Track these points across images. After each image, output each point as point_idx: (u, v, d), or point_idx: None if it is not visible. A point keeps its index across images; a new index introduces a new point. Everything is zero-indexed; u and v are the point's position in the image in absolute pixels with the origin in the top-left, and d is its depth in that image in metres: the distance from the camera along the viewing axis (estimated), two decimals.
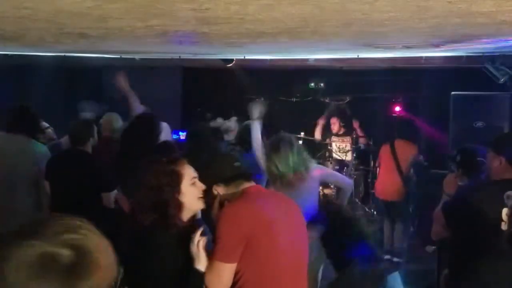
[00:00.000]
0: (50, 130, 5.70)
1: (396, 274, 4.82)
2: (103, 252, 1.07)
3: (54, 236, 1.03)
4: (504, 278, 2.16)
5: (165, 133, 5.64)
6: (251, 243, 2.37)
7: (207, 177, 2.55)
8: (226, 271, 2.36)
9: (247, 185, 2.58)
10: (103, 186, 4.23)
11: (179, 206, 2.40)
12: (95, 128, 4.63)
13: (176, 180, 2.40)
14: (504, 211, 2.88)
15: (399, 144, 6.29)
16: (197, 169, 2.57)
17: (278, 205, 2.60)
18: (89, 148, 4.45)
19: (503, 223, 2.89)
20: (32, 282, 0.99)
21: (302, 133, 8.35)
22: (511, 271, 2.18)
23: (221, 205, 2.57)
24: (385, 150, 6.45)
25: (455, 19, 2.85)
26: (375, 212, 7.76)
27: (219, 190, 2.56)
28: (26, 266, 1.00)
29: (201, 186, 2.49)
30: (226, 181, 2.56)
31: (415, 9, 2.50)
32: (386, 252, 6.09)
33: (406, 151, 6.28)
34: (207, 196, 2.55)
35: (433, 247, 5.97)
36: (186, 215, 2.45)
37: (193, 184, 2.46)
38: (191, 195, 2.45)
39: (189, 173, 2.46)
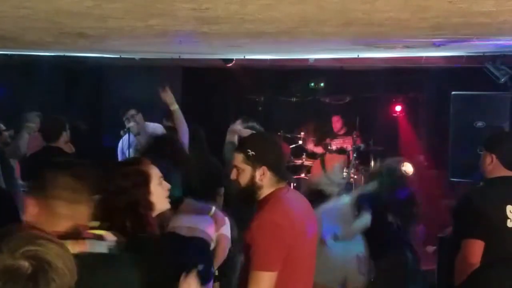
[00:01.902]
0: (6, 134, 5.64)
1: None
2: (61, 260, 1.16)
3: (15, 250, 1.13)
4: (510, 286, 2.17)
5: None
6: (288, 252, 2.36)
7: (267, 156, 2.47)
8: (269, 280, 2.32)
9: (281, 185, 2.53)
10: None
11: (150, 206, 2.38)
12: (66, 124, 4.61)
13: (145, 180, 2.39)
14: (509, 207, 2.91)
15: (329, 157, 6.52)
16: (260, 144, 2.53)
17: (305, 210, 2.59)
18: (61, 144, 4.45)
19: (508, 221, 2.91)
20: None
21: (302, 133, 8.35)
22: None
23: (247, 187, 2.49)
24: (316, 165, 6.71)
25: (455, 19, 2.85)
26: None
27: (266, 174, 2.45)
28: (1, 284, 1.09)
29: (167, 186, 2.45)
30: (278, 171, 2.48)
31: (415, 9, 2.50)
32: None
33: (334, 161, 6.55)
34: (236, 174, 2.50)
35: (433, 247, 5.97)
36: (154, 214, 2.43)
37: (160, 184, 2.43)
38: (159, 194, 2.41)
39: (155, 173, 2.44)
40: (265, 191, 2.48)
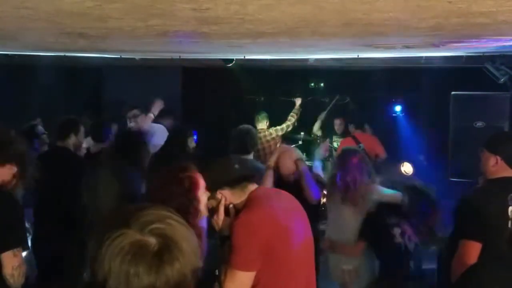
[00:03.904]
0: (45, 136, 5.66)
1: None
2: (186, 241, 1.21)
3: (143, 226, 1.18)
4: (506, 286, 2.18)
5: (160, 135, 5.61)
6: (269, 250, 2.38)
7: (211, 182, 2.54)
8: (247, 279, 2.36)
9: (252, 187, 2.56)
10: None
11: (198, 214, 2.41)
12: (82, 128, 4.60)
13: (195, 187, 2.43)
14: (511, 209, 2.91)
15: (360, 136, 6.66)
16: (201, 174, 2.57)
17: (287, 206, 2.61)
18: (70, 145, 4.45)
19: (510, 222, 2.91)
20: (125, 267, 1.14)
21: (302, 133, 8.35)
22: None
23: (226, 210, 2.55)
24: (349, 142, 6.78)
25: (455, 19, 2.85)
26: None
27: (225, 194, 2.53)
28: (120, 252, 1.14)
29: (208, 194, 2.52)
30: (231, 184, 2.53)
31: (415, 9, 2.50)
32: None
33: (369, 142, 6.71)
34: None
35: (433, 247, 5.96)
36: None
37: (204, 192, 2.50)
38: (203, 202, 2.48)
39: (202, 181, 2.50)
40: (239, 202, 2.54)
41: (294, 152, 4.47)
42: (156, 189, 2.46)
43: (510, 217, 2.93)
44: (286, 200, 2.66)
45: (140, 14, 2.77)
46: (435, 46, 4.63)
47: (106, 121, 4.94)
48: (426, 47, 4.85)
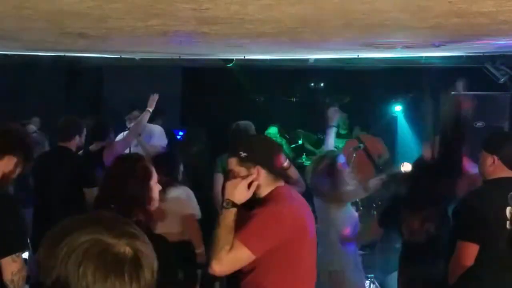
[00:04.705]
0: (35, 134, 5.63)
1: (395, 274, 4.81)
2: (148, 244, 1.24)
3: (115, 236, 1.20)
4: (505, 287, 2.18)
5: (158, 136, 5.60)
6: (287, 247, 2.39)
7: (258, 154, 2.49)
8: (247, 259, 2.35)
9: (280, 183, 2.54)
10: (85, 182, 4.24)
11: (152, 202, 2.50)
12: (84, 129, 4.60)
13: (148, 177, 2.51)
14: (508, 209, 2.90)
15: (364, 137, 6.50)
16: (251, 145, 2.56)
17: (306, 208, 2.63)
18: (73, 145, 4.45)
19: (508, 222, 2.90)
20: (110, 280, 1.15)
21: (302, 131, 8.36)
22: None
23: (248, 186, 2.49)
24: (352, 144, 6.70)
25: (455, 19, 2.85)
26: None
27: (261, 173, 2.46)
28: (101, 266, 1.16)
29: (160, 187, 2.57)
30: (272, 169, 2.49)
31: (415, 9, 2.51)
32: None
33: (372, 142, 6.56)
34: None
35: None
36: None
37: (156, 183, 2.55)
38: (156, 193, 2.53)
39: (154, 172, 2.56)
40: (264, 190, 2.50)
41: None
42: (112, 179, 2.52)
43: (508, 217, 2.93)
44: (305, 204, 2.68)
45: (140, 14, 2.77)
46: (435, 46, 4.63)
47: (105, 120, 4.94)
48: (426, 47, 4.86)
